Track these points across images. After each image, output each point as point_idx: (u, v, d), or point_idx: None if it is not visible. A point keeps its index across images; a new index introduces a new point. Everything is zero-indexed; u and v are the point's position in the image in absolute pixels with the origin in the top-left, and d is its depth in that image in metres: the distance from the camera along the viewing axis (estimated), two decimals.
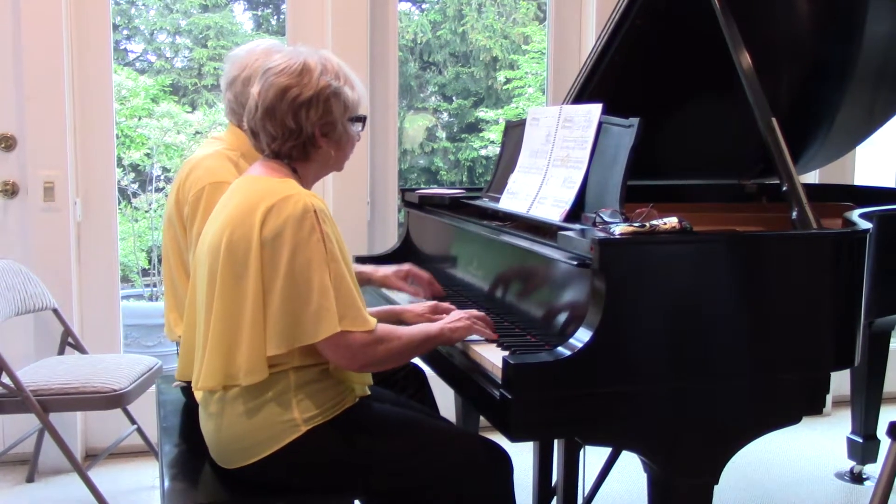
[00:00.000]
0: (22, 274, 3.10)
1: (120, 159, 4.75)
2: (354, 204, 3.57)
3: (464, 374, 1.86)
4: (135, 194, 5.23)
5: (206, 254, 1.82)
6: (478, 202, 2.51)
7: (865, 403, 3.22)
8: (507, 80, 6.28)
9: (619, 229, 1.72)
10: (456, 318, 1.92)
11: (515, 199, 2.30)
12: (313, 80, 1.81)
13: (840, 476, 3.37)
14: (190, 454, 2.01)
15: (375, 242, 3.66)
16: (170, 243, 2.25)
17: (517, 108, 6.10)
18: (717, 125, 2.72)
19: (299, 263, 1.70)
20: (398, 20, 3.73)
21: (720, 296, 1.74)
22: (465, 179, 6.36)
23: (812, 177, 3.77)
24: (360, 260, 2.88)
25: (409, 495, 1.86)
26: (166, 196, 5.16)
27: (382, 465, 1.82)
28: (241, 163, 2.20)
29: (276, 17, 6.27)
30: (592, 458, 2.48)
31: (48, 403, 2.76)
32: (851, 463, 3.35)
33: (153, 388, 2.84)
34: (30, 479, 3.23)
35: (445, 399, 2.66)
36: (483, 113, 6.29)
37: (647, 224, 1.73)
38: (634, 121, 1.95)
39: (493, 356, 1.78)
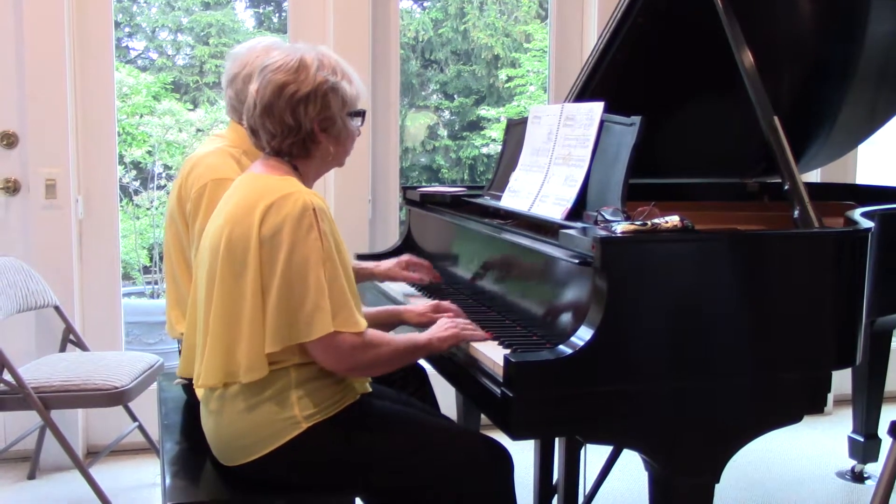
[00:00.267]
0: (24, 271, 3.10)
1: (121, 157, 4.76)
2: (356, 202, 3.57)
3: (465, 371, 1.86)
4: (136, 192, 5.23)
5: (207, 252, 1.83)
6: (479, 200, 2.51)
7: (867, 402, 3.22)
8: (509, 79, 6.28)
9: (621, 228, 1.72)
10: (444, 327, 1.92)
11: (517, 197, 2.30)
12: (310, 76, 1.81)
13: (841, 475, 3.37)
14: (191, 451, 2.02)
15: (377, 240, 3.66)
16: (172, 240, 2.26)
17: (519, 106, 6.10)
18: (719, 124, 2.71)
19: (296, 261, 1.70)
20: (400, 18, 3.73)
21: (721, 294, 1.74)
22: (466, 177, 6.37)
23: (814, 176, 3.77)
24: (362, 257, 2.88)
25: (409, 493, 1.86)
26: (168, 194, 5.18)
27: (383, 463, 1.82)
28: (243, 160, 2.20)
29: (277, 14, 6.27)
30: (593, 456, 2.48)
31: (50, 400, 2.76)
32: (853, 462, 3.35)
33: (154, 385, 2.85)
34: (31, 477, 3.23)
35: (446, 397, 2.66)
36: (484, 111, 6.29)
37: (649, 222, 1.73)
38: (636, 119, 1.95)
39: (494, 354, 1.78)
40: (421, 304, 2.15)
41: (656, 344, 1.70)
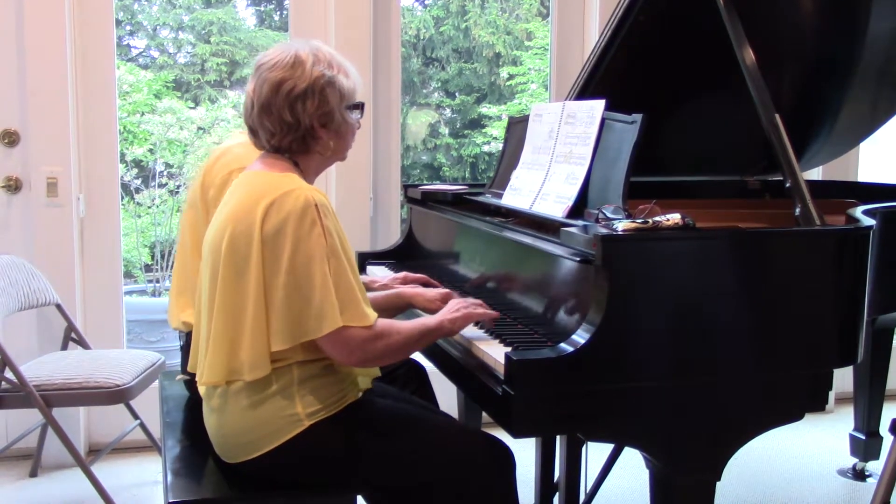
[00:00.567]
0: (25, 269, 3.11)
1: (122, 155, 4.76)
2: (357, 200, 3.57)
3: (466, 369, 1.86)
4: (138, 190, 5.23)
5: (209, 250, 1.83)
6: (480, 198, 2.51)
7: (868, 400, 3.22)
8: (510, 76, 6.28)
9: (622, 225, 1.72)
10: (454, 308, 1.91)
11: (518, 195, 2.30)
12: (306, 72, 1.80)
13: (842, 473, 3.37)
14: (193, 449, 2.02)
15: (378, 238, 3.66)
16: (188, 225, 2.27)
17: (520, 104, 6.10)
18: (721, 122, 2.71)
19: (301, 259, 1.70)
20: (401, 16, 3.73)
21: (723, 292, 1.74)
22: (467, 175, 6.36)
23: (815, 173, 3.77)
24: (363, 256, 2.88)
25: (411, 491, 1.86)
26: (169, 192, 5.18)
27: (385, 461, 1.82)
28: None
29: (278, 12, 6.27)
30: (595, 454, 2.48)
31: (51, 398, 2.76)
32: (854, 459, 3.35)
33: (156, 383, 2.85)
34: (33, 474, 3.24)
35: (448, 395, 2.66)
36: (486, 109, 6.29)
37: (650, 220, 1.73)
38: (637, 117, 1.95)
39: (495, 352, 1.78)
40: (430, 290, 2.14)
41: (657, 342, 1.70)
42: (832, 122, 2.86)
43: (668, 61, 2.56)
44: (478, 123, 6.39)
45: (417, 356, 2.12)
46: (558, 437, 2.54)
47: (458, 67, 6.44)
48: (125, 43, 5.86)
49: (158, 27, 5.93)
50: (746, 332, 1.76)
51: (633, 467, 3.17)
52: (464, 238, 2.50)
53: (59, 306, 3.18)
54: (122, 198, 3.98)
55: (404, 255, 2.88)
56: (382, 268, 2.74)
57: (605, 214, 1.83)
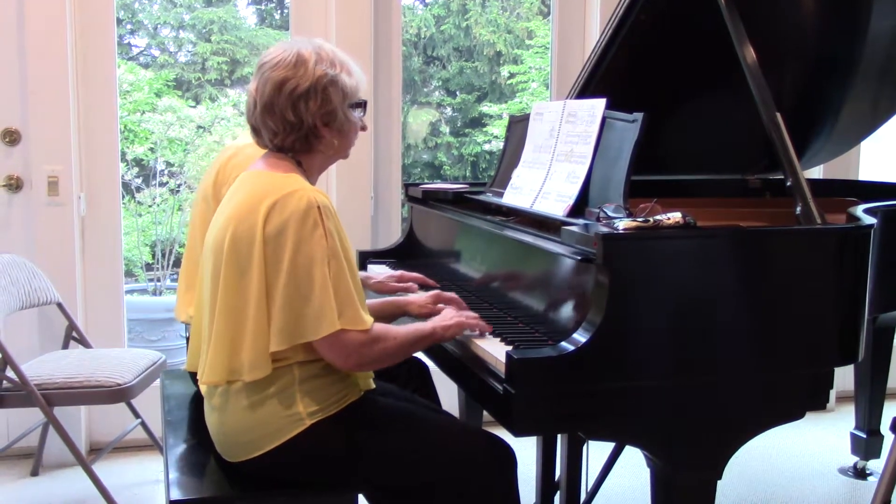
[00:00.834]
0: (26, 268, 3.11)
1: (123, 154, 4.75)
2: (358, 199, 3.57)
3: (467, 368, 1.86)
4: (138, 189, 5.23)
5: (211, 249, 1.82)
6: (481, 197, 2.51)
7: (869, 399, 3.22)
8: (511, 75, 6.27)
9: (623, 224, 1.72)
10: (448, 316, 1.93)
11: (519, 193, 2.30)
12: (309, 71, 1.80)
13: (843, 471, 3.37)
14: (194, 448, 2.02)
15: (379, 237, 3.66)
16: (199, 220, 2.29)
17: (521, 102, 6.10)
18: (721, 120, 2.71)
19: (302, 260, 1.70)
20: (402, 14, 3.73)
21: (723, 291, 1.74)
22: (468, 174, 6.36)
23: (816, 172, 3.77)
24: (364, 255, 2.88)
25: (412, 490, 1.87)
26: (170, 191, 5.18)
27: (386, 460, 1.82)
28: None
29: (279, 11, 6.27)
30: (596, 452, 2.48)
31: (52, 397, 2.76)
32: (855, 458, 3.35)
33: (157, 382, 2.85)
34: (34, 473, 3.24)
35: (449, 394, 2.66)
36: (487, 108, 6.29)
37: (651, 219, 1.73)
38: (638, 116, 1.95)
39: (496, 351, 1.78)
40: (421, 295, 2.16)
41: (658, 341, 1.70)
42: (833, 121, 2.86)
43: (670, 60, 2.55)
44: (478, 122, 6.39)
45: (419, 354, 2.12)
46: (559, 436, 2.54)
47: (459, 66, 6.44)
48: (126, 42, 5.86)
49: (159, 26, 5.93)
50: (747, 330, 1.76)
51: (634, 466, 3.18)
52: (465, 237, 2.50)
53: (60, 305, 3.18)
54: (123, 196, 3.98)
55: (405, 254, 2.89)
56: (383, 266, 2.74)
57: (605, 213, 1.83)
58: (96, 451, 3.36)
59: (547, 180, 2.20)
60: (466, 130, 6.42)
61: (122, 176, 4.29)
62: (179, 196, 5.19)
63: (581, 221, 1.89)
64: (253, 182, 1.82)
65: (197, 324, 1.94)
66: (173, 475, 1.90)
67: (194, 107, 5.47)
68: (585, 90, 2.56)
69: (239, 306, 1.75)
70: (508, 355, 1.63)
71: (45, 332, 3.31)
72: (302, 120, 1.81)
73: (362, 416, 1.84)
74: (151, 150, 5.19)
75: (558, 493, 2.52)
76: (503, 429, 1.68)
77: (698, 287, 1.72)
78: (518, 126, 2.55)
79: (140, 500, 3.04)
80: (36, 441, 3.23)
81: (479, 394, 1.84)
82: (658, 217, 1.74)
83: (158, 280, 5.11)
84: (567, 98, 2.50)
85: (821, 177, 3.78)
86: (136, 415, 3.20)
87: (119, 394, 2.79)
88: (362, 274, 2.50)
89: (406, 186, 2.98)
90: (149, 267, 5.32)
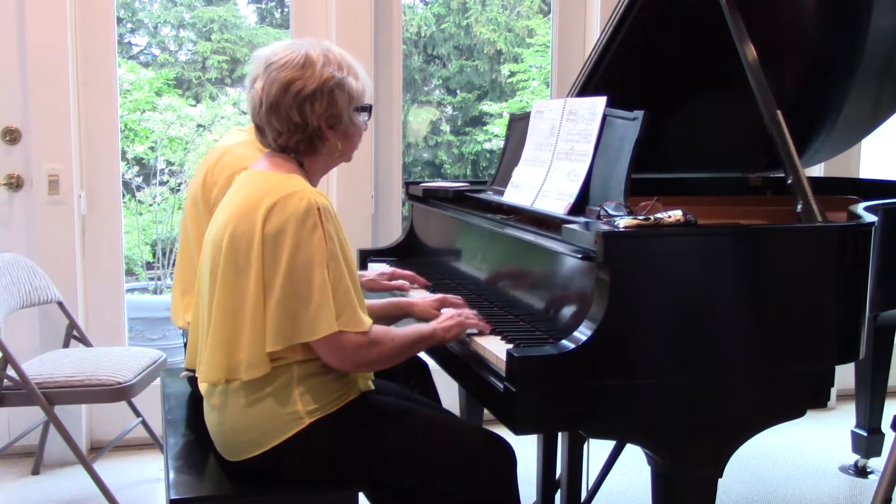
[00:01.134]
0: (27, 267, 3.11)
1: (124, 153, 4.76)
2: (358, 197, 3.57)
3: (467, 366, 1.86)
4: (139, 188, 5.23)
5: (210, 248, 1.82)
6: (482, 195, 2.51)
7: (870, 397, 3.22)
8: (512, 74, 6.27)
9: (624, 222, 1.72)
10: (448, 317, 1.93)
11: (519, 192, 2.29)
12: (316, 73, 1.80)
13: (844, 470, 3.37)
14: (194, 447, 2.02)
15: (380, 236, 3.66)
16: (191, 223, 2.27)
17: (521, 101, 6.09)
18: (722, 118, 2.71)
19: (300, 261, 1.70)
20: (402, 13, 3.73)
21: (724, 289, 1.74)
22: (468, 173, 6.36)
23: (817, 170, 3.77)
24: (365, 254, 2.88)
25: (412, 488, 1.86)
26: (170, 190, 5.18)
27: (386, 458, 1.82)
28: None
29: (279, 10, 6.27)
30: (596, 450, 2.48)
31: (53, 396, 2.76)
32: (856, 457, 3.35)
33: (158, 380, 2.85)
34: (35, 472, 3.24)
35: (449, 392, 2.66)
36: (487, 106, 6.29)
37: (652, 217, 1.73)
38: (639, 114, 1.94)
39: (497, 349, 1.78)
40: (425, 296, 2.15)
41: (659, 339, 1.70)
42: (834, 119, 2.86)
43: (670, 58, 2.55)
44: (479, 121, 6.39)
45: (420, 353, 2.12)
46: (560, 434, 2.54)
47: (460, 65, 6.44)
48: (126, 41, 5.86)
49: (159, 25, 5.93)
50: (748, 328, 1.76)
51: (634, 464, 3.18)
52: (465, 235, 2.50)
53: (60, 304, 3.18)
54: (124, 195, 3.98)
55: (406, 253, 2.89)
56: (384, 265, 2.73)
57: (606, 211, 1.83)
58: (97, 449, 3.36)
59: (547, 178, 2.20)
60: (467, 129, 6.42)
61: (123, 175, 4.28)
62: (180, 195, 5.20)
63: (582, 219, 1.89)
64: (253, 182, 1.82)
65: (195, 322, 1.93)
66: (174, 474, 1.90)
67: (194, 105, 5.47)
68: (586, 88, 2.56)
69: (236, 306, 1.74)
70: (509, 353, 1.63)
71: (46, 330, 3.31)
72: (307, 121, 1.81)
73: (362, 414, 1.84)
74: (152, 148, 5.19)
75: (559, 491, 2.52)
76: (504, 427, 1.68)
77: (699, 285, 1.72)
78: (518, 124, 2.55)
79: (141, 499, 3.04)
80: (37, 440, 3.23)
81: (480, 392, 1.84)
82: (659, 215, 1.74)
83: (159, 279, 5.12)
84: (567, 96, 2.50)
85: (822, 175, 3.78)
86: (137, 413, 3.20)
87: (119, 392, 2.79)
88: None
89: (406, 185, 2.98)
90: (149, 266, 5.32)
